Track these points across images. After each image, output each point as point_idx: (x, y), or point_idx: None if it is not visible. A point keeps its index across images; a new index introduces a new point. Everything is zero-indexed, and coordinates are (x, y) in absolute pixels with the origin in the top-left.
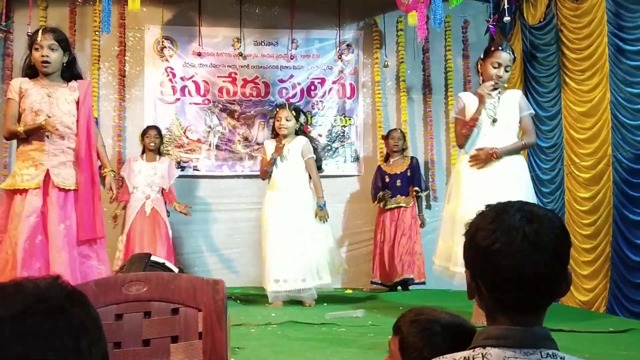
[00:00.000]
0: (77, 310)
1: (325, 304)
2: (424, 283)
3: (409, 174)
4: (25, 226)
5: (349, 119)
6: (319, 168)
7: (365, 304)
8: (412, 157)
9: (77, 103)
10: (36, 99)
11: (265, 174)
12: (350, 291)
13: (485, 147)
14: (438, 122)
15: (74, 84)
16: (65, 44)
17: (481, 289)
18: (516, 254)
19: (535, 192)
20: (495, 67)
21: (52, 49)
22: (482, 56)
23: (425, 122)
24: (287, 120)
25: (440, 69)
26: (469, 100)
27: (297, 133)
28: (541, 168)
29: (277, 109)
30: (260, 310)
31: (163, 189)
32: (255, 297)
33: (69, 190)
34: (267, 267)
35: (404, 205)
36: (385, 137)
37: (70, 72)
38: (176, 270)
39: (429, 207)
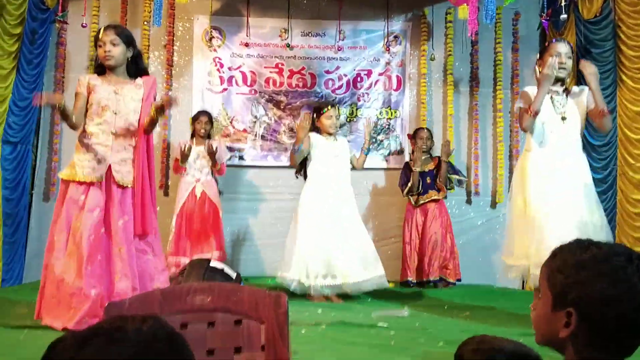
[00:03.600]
0: (177, 357)
1: (369, 300)
2: (459, 280)
3: (435, 172)
4: (89, 220)
5: (395, 112)
6: None
7: (409, 301)
8: (438, 157)
9: (142, 100)
10: (103, 96)
11: (295, 162)
12: (392, 284)
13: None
14: (485, 116)
15: (139, 81)
16: (127, 39)
17: (579, 331)
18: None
19: None
20: (556, 57)
21: (114, 44)
22: (538, 56)
23: (471, 116)
24: (336, 119)
25: (489, 62)
26: (533, 91)
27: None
28: (593, 167)
29: (329, 107)
30: (305, 306)
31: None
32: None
33: (126, 187)
34: (311, 260)
35: (435, 198)
36: (412, 136)
37: (135, 68)
38: (234, 275)
39: (469, 202)
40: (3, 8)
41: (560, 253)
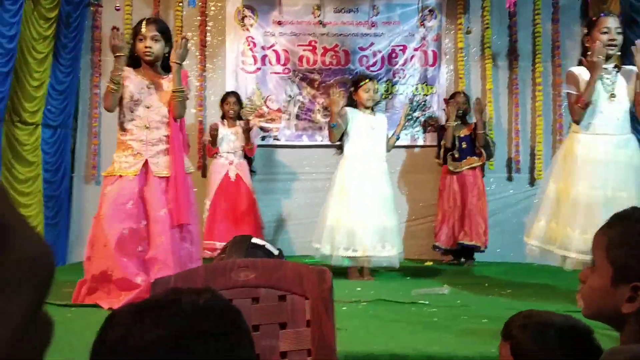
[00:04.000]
0: (233, 329)
1: (408, 278)
2: (483, 251)
3: (472, 136)
4: (127, 213)
5: (431, 87)
6: None
7: (447, 278)
8: (474, 123)
9: None
10: (136, 90)
11: (334, 138)
12: (430, 263)
13: None
14: (524, 90)
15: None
16: (167, 36)
17: None
18: None
19: None
20: (605, 33)
21: (155, 40)
22: (585, 31)
23: (511, 90)
24: (374, 92)
25: (528, 34)
26: (581, 73)
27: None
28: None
29: (367, 80)
30: (344, 284)
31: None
32: (336, 269)
33: (165, 177)
34: (337, 232)
35: (474, 165)
36: (448, 100)
37: (168, 62)
38: (276, 252)
39: (510, 178)
40: None
41: (619, 222)
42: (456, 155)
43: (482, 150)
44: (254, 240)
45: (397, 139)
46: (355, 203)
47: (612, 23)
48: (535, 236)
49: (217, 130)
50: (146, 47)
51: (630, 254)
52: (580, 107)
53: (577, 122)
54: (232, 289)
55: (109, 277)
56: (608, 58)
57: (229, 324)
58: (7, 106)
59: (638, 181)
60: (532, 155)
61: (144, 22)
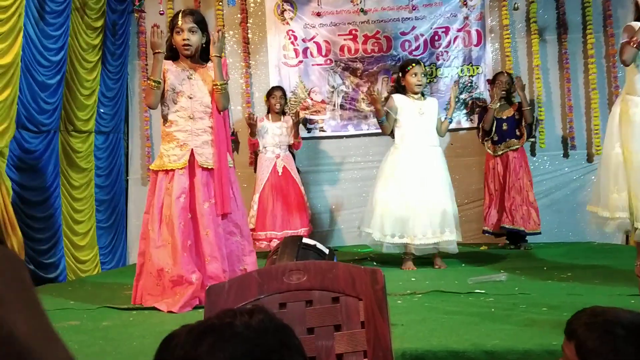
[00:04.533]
0: (285, 348)
1: (463, 265)
2: (539, 233)
3: (516, 116)
4: (178, 208)
5: (477, 68)
6: None
7: (504, 263)
8: (519, 103)
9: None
10: (177, 81)
11: (386, 130)
12: (485, 247)
13: None
14: (575, 64)
15: (210, 64)
16: (203, 26)
17: None
18: None
19: None
20: None
21: (192, 32)
22: None
23: (561, 65)
24: (422, 76)
25: (577, 5)
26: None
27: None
28: None
29: (414, 64)
30: (398, 274)
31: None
32: (389, 258)
33: (210, 168)
34: (387, 219)
35: (514, 147)
36: (492, 81)
37: (208, 53)
38: (326, 251)
39: (566, 155)
40: (85, 4)
41: None
42: (495, 139)
43: (524, 130)
44: (305, 240)
45: (450, 122)
46: (407, 189)
47: None
48: (603, 204)
49: (254, 120)
50: (184, 39)
51: None
52: (630, 47)
53: (626, 64)
54: (285, 292)
55: (165, 274)
56: None
57: (280, 343)
58: (62, 116)
59: None
60: (589, 131)
61: (180, 15)
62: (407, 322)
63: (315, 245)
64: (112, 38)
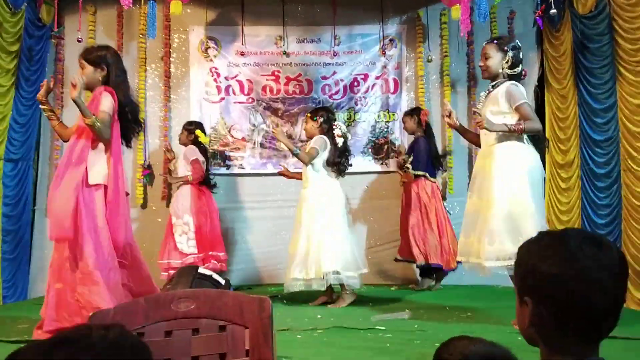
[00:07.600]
0: None
1: (370, 304)
2: (453, 270)
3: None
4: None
5: (393, 114)
6: (342, 167)
7: (411, 304)
8: (418, 138)
9: None
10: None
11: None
12: (395, 288)
13: None
14: None
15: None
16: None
17: (543, 318)
18: (591, 283)
19: (590, 187)
20: None
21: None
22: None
23: (469, 115)
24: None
25: None
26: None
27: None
28: (595, 162)
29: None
30: (305, 311)
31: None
32: (299, 295)
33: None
34: (300, 260)
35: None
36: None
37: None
38: (223, 281)
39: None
40: (0, 26)
41: (519, 250)
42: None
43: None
44: (201, 270)
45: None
46: (305, 228)
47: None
48: (461, 252)
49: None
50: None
51: (521, 273)
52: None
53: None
54: (172, 320)
55: (71, 300)
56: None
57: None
58: None
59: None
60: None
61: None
62: (299, 355)
63: (211, 275)
64: (28, 63)
